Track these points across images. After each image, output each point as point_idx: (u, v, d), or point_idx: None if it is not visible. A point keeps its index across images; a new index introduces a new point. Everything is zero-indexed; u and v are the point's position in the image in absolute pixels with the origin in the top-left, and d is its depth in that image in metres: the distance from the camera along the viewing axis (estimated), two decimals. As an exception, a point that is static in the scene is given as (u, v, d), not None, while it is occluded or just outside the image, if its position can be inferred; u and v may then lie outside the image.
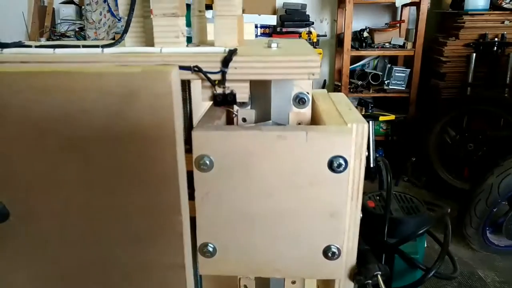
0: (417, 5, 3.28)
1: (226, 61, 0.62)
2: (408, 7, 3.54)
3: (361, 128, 0.65)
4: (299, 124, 0.77)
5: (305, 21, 3.40)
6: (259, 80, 0.66)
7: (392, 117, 2.95)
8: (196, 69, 0.62)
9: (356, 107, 2.97)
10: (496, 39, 3.12)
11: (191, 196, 0.67)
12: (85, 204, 0.63)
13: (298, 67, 0.62)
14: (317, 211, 0.65)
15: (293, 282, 0.92)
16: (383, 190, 1.23)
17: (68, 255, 0.67)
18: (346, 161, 0.62)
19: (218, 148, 0.63)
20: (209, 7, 0.76)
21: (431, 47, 3.45)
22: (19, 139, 0.60)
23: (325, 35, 3.70)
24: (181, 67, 0.62)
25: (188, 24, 0.76)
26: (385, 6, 3.66)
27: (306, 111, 0.76)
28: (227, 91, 0.65)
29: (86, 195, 0.63)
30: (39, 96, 0.58)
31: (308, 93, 0.75)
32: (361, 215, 0.70)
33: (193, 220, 0.67)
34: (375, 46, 3.43)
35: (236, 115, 0.78)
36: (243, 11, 0.74)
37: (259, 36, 3.34)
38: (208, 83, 0.64)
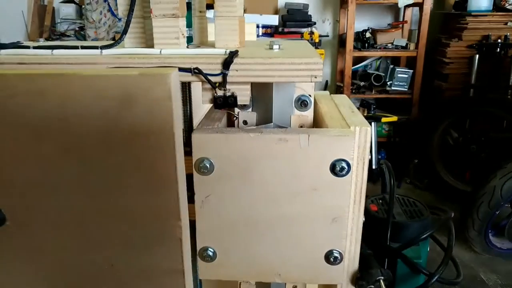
0: (420, 5, 3.27)
1: (227, 63, 0.60)
2: (411, 7, 3.53)
3: (364, 131, 0.64)
4: (301, 127, 0.76)
5: (307, 21, 3.40)
6: (260, 82, 0.65)
7: (394, 118, 2.93)
8: (196, 71, 0.61)
9: (358, 108, 2.96)
10: (499, 40, 3.11)
11: (191, 199, 0.66)
12: (82, 209, 0.62)
13: (300, 70, 0.61)
14: (319, 215, 0.64)
15: (295, 287, 0.91)
16: (386, 193, 1.22)
17: (65, 260, 0.66)
18: (349, 165, 0.61)
19: (219, 151, 0.62)
20: (210, 6, 0.75)
21: (434, 48, 3.44)
22: (15, 143, 0.59)
23: (327, 36, 3.69)
24: (181, 69, 0.61)
25: (189, 24, 0.75)
26: (388, 6, 3.65)
27: (308, 114, 0.75)
28: (228, 94, 0.64)
29: (83, 200, 0.62)
30: (35, 100, 0.57)
31: (310, 95, 0.74)
32: (364, 219, 0.70)
33: (192, 224, 0.67)
34: (378, 47, 3.42)
35: (237, 118, 0.78)
36: (245, 11, 0.73)
37: (261, 36, 3.34)
38: (208, 85, 0.63)
